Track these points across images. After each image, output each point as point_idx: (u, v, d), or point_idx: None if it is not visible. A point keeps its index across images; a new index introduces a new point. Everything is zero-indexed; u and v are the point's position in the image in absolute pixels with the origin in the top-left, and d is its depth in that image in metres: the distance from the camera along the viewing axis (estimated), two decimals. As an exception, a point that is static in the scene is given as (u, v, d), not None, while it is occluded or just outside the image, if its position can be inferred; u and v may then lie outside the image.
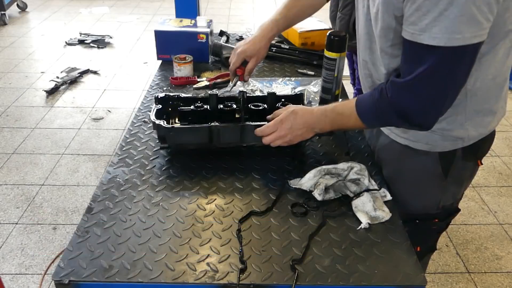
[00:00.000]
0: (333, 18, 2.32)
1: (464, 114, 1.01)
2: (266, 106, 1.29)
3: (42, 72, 3.99)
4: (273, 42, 1.93)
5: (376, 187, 1.07)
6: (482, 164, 1.14)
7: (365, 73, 1.13)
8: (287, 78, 1.70)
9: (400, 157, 1.15)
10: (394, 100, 0.94)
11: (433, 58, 0.83)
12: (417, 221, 1.16)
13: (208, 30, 1.79)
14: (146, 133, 1.34)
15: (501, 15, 0.85)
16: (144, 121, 1.40)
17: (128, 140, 1.30)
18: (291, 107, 1.14)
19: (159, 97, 1.29)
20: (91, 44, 4.59)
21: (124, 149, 1.26)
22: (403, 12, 0.86)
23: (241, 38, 2.09)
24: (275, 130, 1.11)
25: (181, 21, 1.88)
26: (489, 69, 0.95)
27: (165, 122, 1.15)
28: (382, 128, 1.20)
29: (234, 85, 1.43)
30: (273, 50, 1.87)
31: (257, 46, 1.37)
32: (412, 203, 1.15)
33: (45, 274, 2.02)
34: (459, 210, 1.24)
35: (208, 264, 0.89)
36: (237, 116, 1.30)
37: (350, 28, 2.19)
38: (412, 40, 0.84)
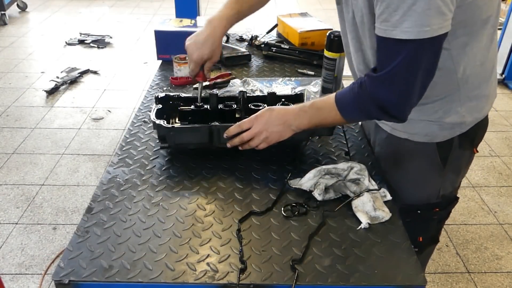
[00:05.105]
0: None
1: (459, 101, 1.05)
2: (266, 106, 1.29)
3: (42, 72, 3.99)
4: (273, 42, 1.93)
5: (376, 187, 1.07)
6: (477, 151, 1.17)
7: (360, 76, 1.13)
8: (287, 78, 1.70)
9: (400, 150, 1.17)
10: (373, 92, 0.96)
11: (405, 52, 0.87)
12: (419, 211, 1.19)
13: (208, 30, 1.79)
14: (146, 133, 1.34)
15: (475, 3, 0.89)
16: (144, 121, 1.40)
17: (128, 140, 1.30)
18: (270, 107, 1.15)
19: (159, 97, 1.29)
20: (91, 44, 4.59)
21: (124, 149, 1.26)
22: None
23: (241, 38, 2.09)
24: (251, 126, 1.11)
25: (181, 21, 1.88)
26: (476, 56, 0.99)
27: (165, 122, 1.15)
28: (379, 123, 1.20)
29: (201, 92, 1.36)
30: (273, 50, 1.87)
31: (213, 47, 1.30)
32: (414, 194, 1.18)
33: (45, 274, 2.02)
34: (457, 198, 1.27)
35: (208, 264, 0.89)
36: (237, 116, 1.30)
37: None
38: (385, 36, 0.88)
